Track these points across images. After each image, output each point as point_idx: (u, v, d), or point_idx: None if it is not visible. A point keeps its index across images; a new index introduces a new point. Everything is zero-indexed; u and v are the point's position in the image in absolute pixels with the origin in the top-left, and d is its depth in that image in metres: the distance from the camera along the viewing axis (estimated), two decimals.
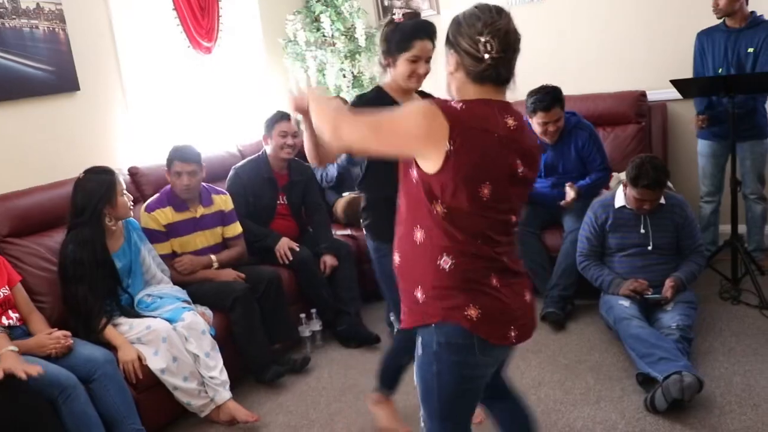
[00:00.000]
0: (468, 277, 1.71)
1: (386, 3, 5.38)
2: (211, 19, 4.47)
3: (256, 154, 4.02)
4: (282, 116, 3.91)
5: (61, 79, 3.67)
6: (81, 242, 2.98)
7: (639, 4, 4.47)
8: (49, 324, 2.91)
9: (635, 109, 4.35)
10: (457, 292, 1.71)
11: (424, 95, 2.59)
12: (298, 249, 3.81)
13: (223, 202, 3.68)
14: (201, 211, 3.57)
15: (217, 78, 4.71)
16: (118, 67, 4.01)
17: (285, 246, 3.80)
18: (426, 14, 5.14)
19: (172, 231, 3.49)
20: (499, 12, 1.71)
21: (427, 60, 2.46)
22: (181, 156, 3.48)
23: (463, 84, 1.73)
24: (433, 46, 2.46)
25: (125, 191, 3.15)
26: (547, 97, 3.79)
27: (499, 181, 1.68)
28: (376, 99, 2.50)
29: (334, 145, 1.82)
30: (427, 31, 2.45)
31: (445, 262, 1.71)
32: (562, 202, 3.80)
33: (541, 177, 3.99)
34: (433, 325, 1.74)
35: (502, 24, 1.68)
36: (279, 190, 3.98)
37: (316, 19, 5.09)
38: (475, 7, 1.73)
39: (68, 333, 2.81)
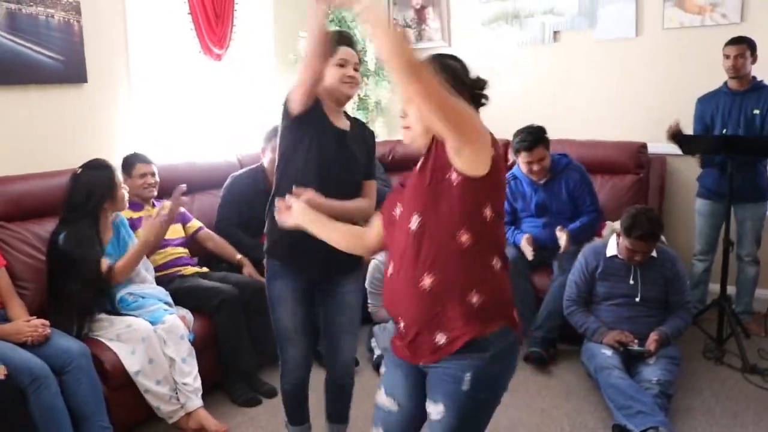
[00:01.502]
0: (505, 277, 1.78)
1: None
2: (224, 27, 4.50)
3: (255, 165, 4.02)
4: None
5: (70, 70, 3.68)
6: (78, 237, 2.97)
7: (647, 57, 4.52)
8: (29, 312, 2.88)
9: (635, 160, 4.37)
10: (504, 291, 1.76)
11: (349, 117, 2.56)
12: None
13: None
14: (155, 211, 3.57)
15: (224, 86, 4.73)
16: (127, 64, 4.03)
17: None
18: (437, 46, 5.21)
19: (135, 225, 3.47)
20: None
21: (355, 68, 2.45)
22: (141, 159, 3.57)
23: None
24: (357, 56, 2.48)
25: (123, 184, 3.16)
26: (530, 137, 3.83)
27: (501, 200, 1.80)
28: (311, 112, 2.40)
29: (405, 81, 1.54)
30: (347, 39, 2.50)
31: (496, 263, 1.74)
32: (561, 251, 3.81)
33: (533, 216, 4.00)
34: (490, 334, 1.70)
35: (461, 64, 1.90)
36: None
37: None
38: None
39: (46, 322, 2.78)
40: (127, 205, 3.24)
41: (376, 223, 1.97)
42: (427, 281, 1.69)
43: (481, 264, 1.71)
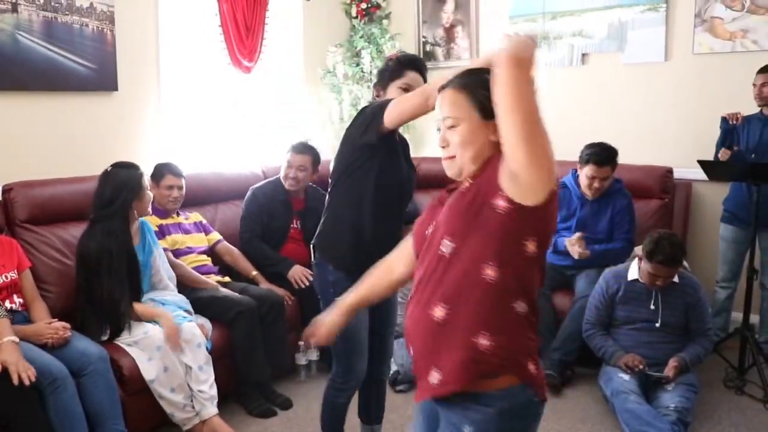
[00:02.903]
0: (529, 325, 1.54)
1: (428, 48, 5.46)
2: (254, 40, 4.57)
3: (274, 177, 4.06)
4: (296, 148, 3.93)
5: (101, 78, 3.76)
6: (109, 233, 3.02)
7: (676, 82, 4.49)
8: (52, 315, 2.93)
9: (660, 184, 4.33)
10: (523, 342, 1.52)
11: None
12: (311, 278, 3.81)
13: (196, 216, 3.84)
14: (180, 219, 3.71)
15: (252, 98, 4.79)
16: (157, 74, 4.10)
17: (299, 272, 3.81)
18: (466, 65, 5.22)
19: (164, 230, 3.57)
20: None
21: None
22: (172, 170, 3.61)
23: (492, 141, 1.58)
24: (424, 81, 2.51)
25: (149, 188, 3.22)
26: (605, 153, 3.84)
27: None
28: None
29: (517, 139, 1.42)
30: (418, 64, 2.55)
31: (521, 306, 1.51)
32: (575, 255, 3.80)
33: (569, 230, 3.97)
34: (492, 390, 1.50)
35: None
36: (294, 214, 4.00)
37: (357, 54, 5.18)
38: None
39: (67, 325, 2.83)
40: (151, 210, 3.29)
41: (406, 246, 1.80)
42: (438, 312, 1.53)
43: (502, 305, 1.50)
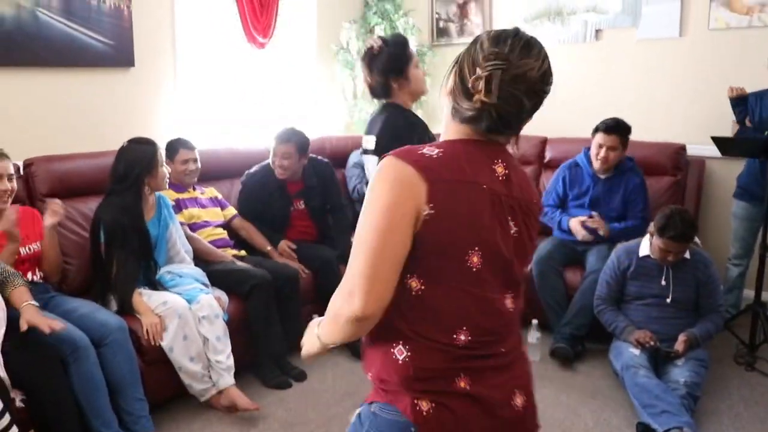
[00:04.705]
0: (423, 378, 1.33)
1: (441, 25, 5.45)
2: (268, 16, 4.58)
3: (265, 162, 4.01)
4: (280, 137, 3.89)
5: (118, 54, 3.80)
6: (121, 207, 3.08)
7: (690, 58, 4.47)
8: (71, 287, 3.00)
9: (673, 161, 4.33)
10: (404, 392, 1.34)
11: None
12: (295, 247, 3.89)
13: (212, 191, 3.89)
14: (197, 194, 3.76)
15: (267, 73, 4.82)
16: (173, 50, 4.14)
17: (284, 245, 3.87)
18: None
19: (180, 205, 3.63)
20: (526, 47, 1.32)
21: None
22: (185, 145, 3.66)
23: (448, 115, 1.40)
24: None
25: (164, 164, 3.25)
26: (613, 122, 3.89)
27: (491, 246, 1.32)
28: (404, 119, 2.62)
29: (362, 313, 1.26)
30: (408, 40, 2.72)
31: (400, 352, 1.34)
32: (590, 237, 3.85)
33: (583, 207, 4.00)
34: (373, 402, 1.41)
35: (516, 63, 1.29)
36: (292, 197, 3.98)
37: (371, 30, 5.18)
38: (502, 30, 1.36)
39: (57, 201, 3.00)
40: (167, 185, 3.33)
41: None
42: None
43: (382, 346, 1.37)
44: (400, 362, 1.33)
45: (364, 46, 2.71)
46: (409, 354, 1.33)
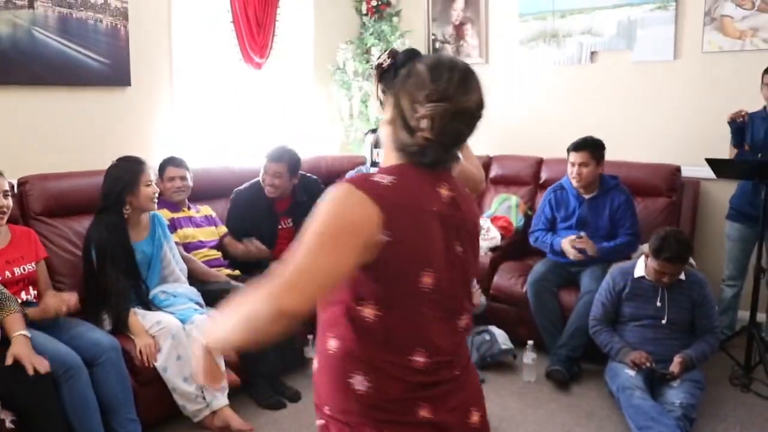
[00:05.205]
0: (385, 407, 1.34)
1: (437, 46, 5.49)
2: (265, 36, 4.61)
3: (254, 180, 3.96)
4: (271, 156, 3.85)
5: (115, 73, 3.81)
6: (108, 225, 3.08)
7: (685, 81, 4.50)
8: (66, 307, 2.98)
9: (668, 183, 4.35)
10: (366, 422, 1.34)
11: None
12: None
13: (207, 210, 3.88)
14: (191, 212, 3.74)
15: (263, 94, 4.83)
16: (170, 69, 4.15)
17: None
18: (475, 62, 5.26)
19: (175, 224, 3.61)
20: (464, 80, 1.36)
21: None
22: (173, 162, 3.66)
23: (389, 144, 1.41)
24: None
25: (152, 183, 3.21)
26: (581, 140, 3.96)
27: (442, 267, 1.35)
28: None
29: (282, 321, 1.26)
30: (417, 54, 2.56)
31: (360, 382, 1.34)
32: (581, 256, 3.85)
33: (571, 228, 4.02)
34: None
35: (457, 100, 1.33)
36: (279, 216, 3.93)
37: (367, 51, 5.21)
38: (437, 60, 1.38)
39: (73, 294, 2.88)
40: (154, 205, 3.25)
41: None
42: (315, 363, 1.49)
43: (338, 377, 1.38)
44: (362, 392, 1.33)
45: (376, 60, 2.71)
46: (369, 384, 1.33)
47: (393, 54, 2.62)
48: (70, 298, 2.83)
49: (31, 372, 2.46)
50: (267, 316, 1.26)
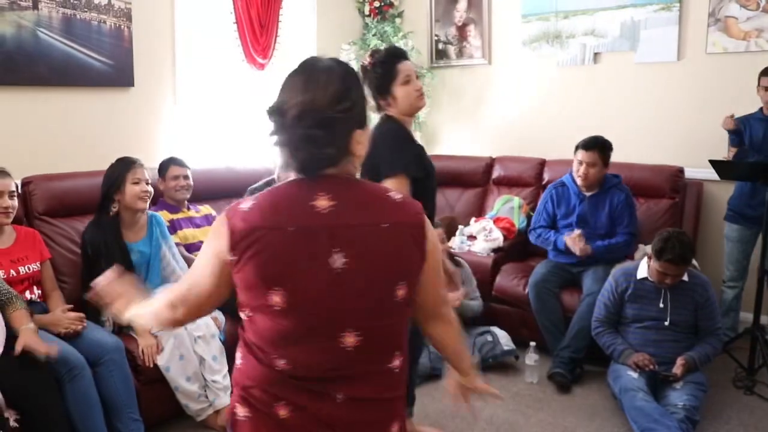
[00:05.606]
0: (246, 385, 1.40)
1: (440, 47, 5.49)
2: (268, 37, 4.61)
3: (269, 177, 3.94)
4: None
5: (118, 74, 3.82)
6: (99, 224, 3.11)
7: (688, 82, 4.50)
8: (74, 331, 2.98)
9: (671, 184, 4.34)
10: (236, 392, 1.44)
11: None
12: None
13: (207, 209, 3.88)
14: (191, 213, 3.75)
15: (266, 94, 4.83)
16: (173, 70, 4.16)
17: None
18: (477, 63, 5.26)
19: (175, 225, 3.62)
20: (304, 81, 1.36)
21: (417, 76, 2.55)
22: (175, 162, 3.67)
23: None
24: (413, 65, 2.58)
25: (141, 182, 3.15)
26: (592, 139, 3.95)
27: (301, 286, 1.32)
28: (399, 130, 2.59)
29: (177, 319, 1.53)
30: (400, 53, 2.56)
31: (239, 358, 1.46)
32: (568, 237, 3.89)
33: (571, 226, 4.01)
34: None
35: (291, 103, 1.33)
36: None
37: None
38: (297, 66, 1.43)
39: (83, 316, 2.88)
40: (143, 204, 3.19)
41: None
42: None
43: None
44: (238, 367, 1.45)
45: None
46: (242, 361, 1.44)
47: (372, 54, 2.61)
48: (79, 324, 2.85)
49: (43, 354, 2.49)
50: (169, 320, 1.52)
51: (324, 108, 1.31)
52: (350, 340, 1.34)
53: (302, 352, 1.34)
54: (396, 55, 2.55)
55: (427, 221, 1.41)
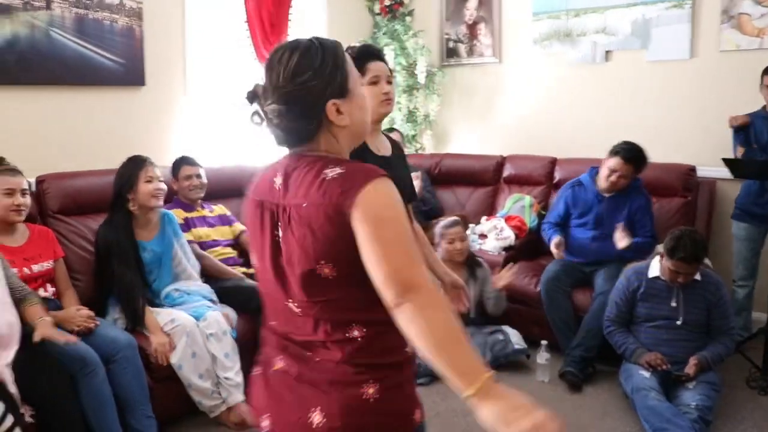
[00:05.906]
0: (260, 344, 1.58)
1: (451, 45, 5.48)
2: (279, 35, 4.61)
3: None
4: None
5: (129, 73, 3.84)
6: (111, 223, 3.14)
7: (701, 80, 4.46)
8: (80, 303, 3.01)
9: (683, 182, 4.32)
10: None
11: (386, 135, 2.32)
12: None
13: (221, 209, 3.89)
14: (205, 212, 3.76)
15: None
16: (183, 69, 4.17)
17: None
18: (488, 61, 5.25)
19: (189, 224, 3.64)
20: (270, 61, 1.45)
21: (389, 81, 2.22)
22: (187, 161, 3.70)
23: None
24: (388, 67, 2.25)
25: (154, 180, 3.21)
26: (633, 151, 3.86)
27: (261, 252, 1.45)
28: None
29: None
30: (373, 52, 2.26)
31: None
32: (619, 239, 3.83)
33: (587, 226, 3.99)
34: None
35: (265, 83, 1.45)
36: None
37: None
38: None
39: (92, 314, 2.92)
40: (157, 201, 3.24)
41: None
42: None
43: None
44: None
45: None
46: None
47: (346, 49, 2.47)
48: (91, 321, 2.87)
49: (62, 341, 2.56)
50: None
51: (285, 84, 1.39)
52: (295, 307, 1.42)
53: (274, 314, 1.50)
54: (368, 54, 2.24)
55: (361, 199, 1.31)
